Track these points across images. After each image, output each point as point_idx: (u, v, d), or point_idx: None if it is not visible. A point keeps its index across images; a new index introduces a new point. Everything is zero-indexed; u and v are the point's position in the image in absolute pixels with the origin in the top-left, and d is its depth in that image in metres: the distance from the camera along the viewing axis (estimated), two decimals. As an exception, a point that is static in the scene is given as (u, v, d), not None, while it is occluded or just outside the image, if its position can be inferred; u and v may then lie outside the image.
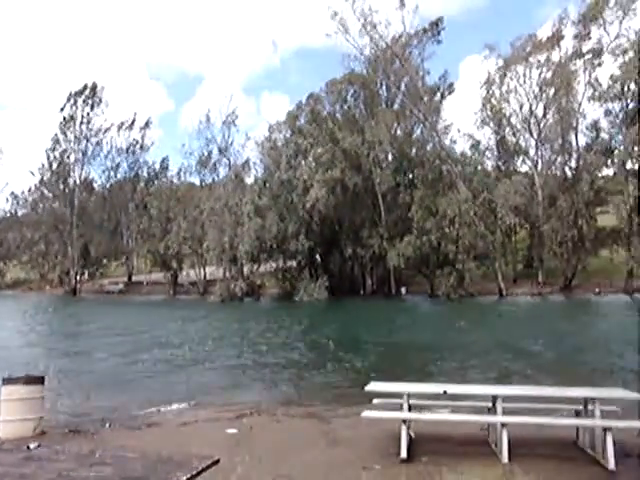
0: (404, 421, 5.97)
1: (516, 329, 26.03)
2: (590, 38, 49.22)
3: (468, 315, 35.54)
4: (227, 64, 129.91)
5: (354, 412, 7.57)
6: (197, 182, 66.88)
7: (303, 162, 52.70)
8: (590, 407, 5.97)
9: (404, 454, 5.89)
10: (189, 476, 3.95)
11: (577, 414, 6.34)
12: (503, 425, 5.80)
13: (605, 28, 48.45)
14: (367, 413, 6.32)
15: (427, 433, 6.84)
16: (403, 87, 53.28)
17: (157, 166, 77.30)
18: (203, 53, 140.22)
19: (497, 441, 5.99)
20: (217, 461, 4.40)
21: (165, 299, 57.50)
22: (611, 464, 5.49)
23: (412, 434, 6.50)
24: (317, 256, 55.71)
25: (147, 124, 76.88)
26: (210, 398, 10.85)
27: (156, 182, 74.31)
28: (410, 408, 6.39)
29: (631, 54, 46.74)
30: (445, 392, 6.17)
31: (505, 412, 6.17)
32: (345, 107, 55.99)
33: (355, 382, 11.25)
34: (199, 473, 4.10)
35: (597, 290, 45.76)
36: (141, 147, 76.57)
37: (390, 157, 54.11)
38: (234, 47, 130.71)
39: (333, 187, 48.98)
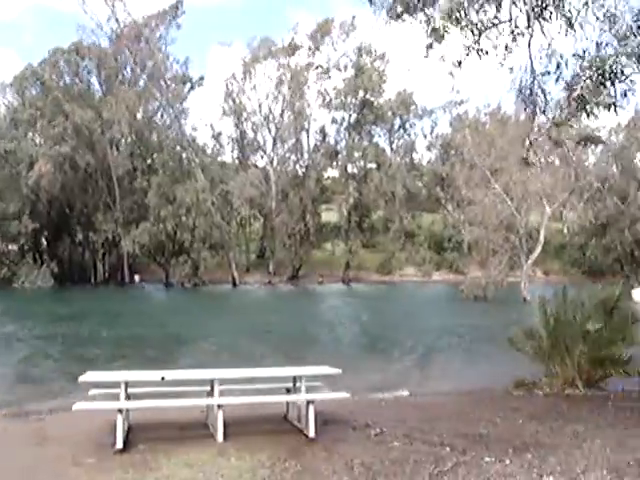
0: (120, 410, 5.82)
1: (250, 315, 27.31)
2: (321, 51, 53.79)
3: (202, 303, 36.07)
4: None
5: (68, 406, 7.13)
6: None
7: (30, 134, 47.53)
8: (298, 384, 6.58)
9: (120, 445, 5.75)
10: None
11: (288, 391, 6.92)
12: (219, 406, 6.05)
13: (333, 45, 53.50)
14: (79, 405, 6.00)
15: (148, 421, 6.78)
16: (148, 69, 51.30)
17: None
18: None
19: (214, 422, 6.23)
20: None
21: None
22: (311, 432, 6.14)
23: (130, 424, 6.39)
24: (43, 240, 50.68)
25: None
26: None
27: None
28: (129, 397, 6.26)
29: (352, 72, 52.56)
30: (163, 378, 6.19)
31: (224, 394, 6.46)
32: (77, 80, 51.70)
33: (70, 376, 10.60)
34: None
35: (320, 279, 50.33)
36: None
37: (129, 140, 51.82)
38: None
39: (62, 164, 44.92)
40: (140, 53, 50.11)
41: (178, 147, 50.55)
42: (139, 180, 49.12)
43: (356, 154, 55.68)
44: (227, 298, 40.97)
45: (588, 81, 7.38)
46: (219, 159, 54.57)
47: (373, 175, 54.03)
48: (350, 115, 55.21)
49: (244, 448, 5.79)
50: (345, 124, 55.67)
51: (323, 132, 56.77)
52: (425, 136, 61.02)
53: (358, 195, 53.50)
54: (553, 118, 8.75)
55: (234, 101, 54.77)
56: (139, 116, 51.91)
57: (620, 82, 7.33)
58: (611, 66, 7.13)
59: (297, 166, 57.27)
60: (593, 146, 46.61)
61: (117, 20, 48.23)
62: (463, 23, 8.03)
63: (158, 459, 5.52)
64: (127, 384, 6.12)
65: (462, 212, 49.97)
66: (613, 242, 39.80)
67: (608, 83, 7.19)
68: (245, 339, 18.19)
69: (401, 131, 58.50)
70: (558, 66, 8.11)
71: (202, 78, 53.80)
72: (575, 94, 7.46)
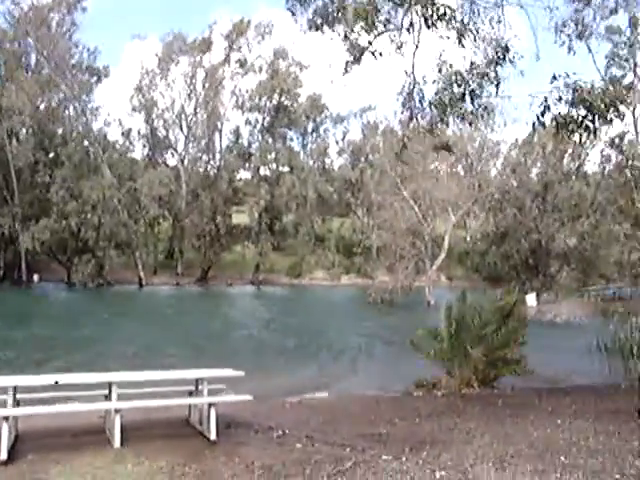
0: (5, 418, 5.48)
1: (157, 317, 26.56)
2: (235, 51, 53.32)
3: (105, 304, 34.70)
4: None
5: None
6: None
7: None
8: (200, 387, 6.49)
9: (4, 455, 5.40)
10: None
11: (190, 394, 6.80)
12: (116, 411, 5.85)
13: (249, 47, 53.26)
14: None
15: (40, 429, 6.45)
16: (52, 57, 48.64)
17: None
18: None
19: (112, 428, 6.01)
20: None
21: None
22: (213, 435, 6.07)
23: (18, 432, 6.05)
24: None
25: None
26: None
27: None
28: (18, 403, 5.92)
29: (266, 75, 52.60)
30: (57, 382, 5.90)
31: (123, 398, 6.25)
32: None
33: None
34: None
35: (229, 282, 49.82)
36: None
37: (30, 131, 48.93)
38: None
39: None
40: (43, 39, 47.43)
41: (86, 142, 48.35)
42: (41, 174, 46.47)
43: (269, 157, 55.69)
44: (132, 299, 39.64)
45: (451, 94, 7.91)
46: (129, 156, 52.72)
47: (285, 178, 54.20)
48: (264, 117, 55.17)
49: (142, 453, 5.63)
50: (259, 126, 55.59)
51: (237, 133, 56.43)
52: (337, 142, 62.13)
53: (270, 198, 53.47)
54: (431, 125, 9.23)
55: (145, 96, 53.21)
56: (42, 106, 49.19)
57: (478, 98, 7.94)
58: (471, 84, 7.71)
59: (209, 166, 56.54)
60: (495, 159, 49.27)
61: (14, 1, 45.60)
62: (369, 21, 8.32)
63: (48, 469, 5.25)
64: (16, 389, 5.79)
65: (371, 217, 51.27)
66: (511, 250, 42.02)
67: (468, 97, 7.76)
68: (150, 342, 17.70)
69: (314, 135, 59.18)
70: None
71: (107, 68, 51.69)
72: (436, 102, 7.99)
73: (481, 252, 46.27)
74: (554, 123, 7.68)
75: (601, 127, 6.94)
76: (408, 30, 8.42)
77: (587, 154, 49.68)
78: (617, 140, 37.95)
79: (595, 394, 9.42)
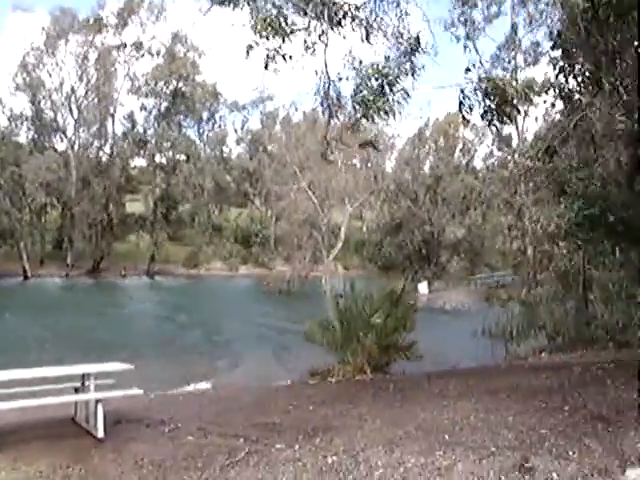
0: None
1: (42, 312, 25.03)
2: (128, 32, 51.18)
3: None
4: None
5: None
6: None
7: None
8: (87, 382, 6.19)
9: None
10: None
11: (76, 391, 6.47)
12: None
13: (142, 27, 51.21)
14: None
15: None
16: None
17: None
18: None
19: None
20: None
21: None
22: (100, 433, 5.82)
23: None
24: None
25: None
26: None
27: None
28: None
29: (163, 59, 50.79)
30: None
31: (2, 398, 5.84)
32: None
33: None
34: None
35: (123, 273, 47.97)
36: None
37: None
38: None
39: None
40: None
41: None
42: None
43: (165, 144, 54.05)
44: (14, 292, 37.14)
45: (370, 89, 8.10)
46: (13, 139, 49.15)
47: (182, 166, 52.91)
48: (161, 103, 53.41)
49: (20, 457, 5.29)
50: (155, 112, 53.73)
51: (132, 119, 54.23)
52: (236, 130, 61.44)
53: (166, 186, 52.04)
54: (350, 121, 9.38)
55: (31, 75, 49.68)
56: None
57: (397, 91, 8.18)
58: (389, 76, 7.93)
59: (101, 152, 53.93)
60: (390, 152, 50.84)
61: None
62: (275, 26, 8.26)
63: None
64: None
65: (270, 207, 51.27)
66: (405, 240, 43.60)
67: (387, 90, 7.98)
68: (35, 339, 16.68)
69: (211, 123, 58.15)
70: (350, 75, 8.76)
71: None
72: (358, 99, 8.14)
73: (376, 242, 47.64)
74: (480, 112, 7.88)
75: (516, 116, 7.35)
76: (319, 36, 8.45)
77: (476, 150, 52.56)
78: (502, 138, 40.30)
79: (479, 375, 10.00)
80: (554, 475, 4.34)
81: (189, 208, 56.29)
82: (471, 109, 7.46)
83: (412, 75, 8.41)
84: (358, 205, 44.20)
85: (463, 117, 7.72)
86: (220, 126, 58.99)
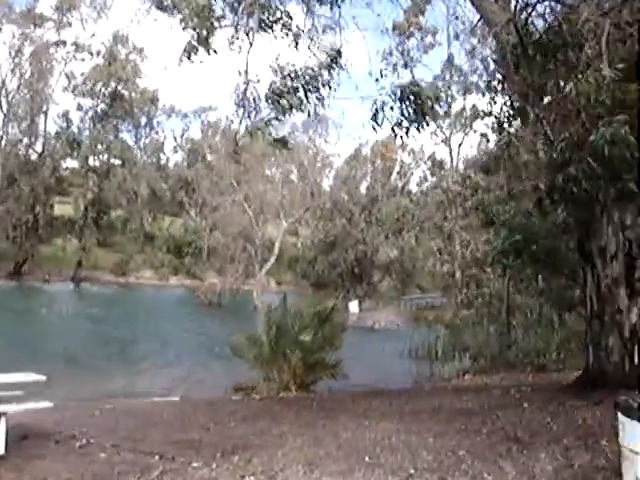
0: None
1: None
2: (68, 29, 49.48)
3: None
4: None
5: None
6: None
7: None
8: (-8, 394, 5.80)
9: None
10: None
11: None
12: None
13: (83, 23, 49.73)
14: None
15: None
16: None
17: None
18: None
19: None
20: None
21: None
22: (1, 449, 5.46)
23: None
24: None
25: None
26: None
27: None
28: None
29: (103, 59, 49.47)
30: None
31: None
32: None
33: None
34: None
35: (47, 277, 45.90)
36: None
37: None
38: None
39: None
40: None
41: None
42: None
43: (100, 147, 52.47)
44: None
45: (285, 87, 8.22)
46: None
47: (116, 171, 51.45)
48: (98, 104, 51.88)
49: None
50: (91, 113, 52.12)
51: (66, 118, 52.37)
52: (175, 138, 60.44)
53: (98, 190, 50.38)
54: (266, 121, 9.41)
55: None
56: None
57: (312, 94, 8.37)
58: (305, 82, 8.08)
59: (31, 150, 51.66)
60: (328, 171, 51.33)
61: None
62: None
63: None
64: None
65: (204, 218, 50.54)
66: (338, 259, 43.89)
67: (302, 92, 8.14)
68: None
69: (148, 129, 57.03)
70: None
71: None
72: (272, 96, 8.23)
73: (310, 259, 47.72)
74: (393, 122, 7.91)
75: (429, 122, 7.38)
76: (246, 33, 8.47)
77: (412, 173, 53.84)
78: (435, 163, 41.54)
79: (403, 396, 10.09)
80: (468, 498, 4.39)
81: (121, 214, 54.69)
82: (384, 115, 7.42)
83: (328, 86, 8.64)
84: (293, 221, 44.24)
85: (394, 132, 7.74)
86: (158, 132, 57.97)
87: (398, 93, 7.05)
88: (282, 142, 10.29)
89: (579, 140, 6.48)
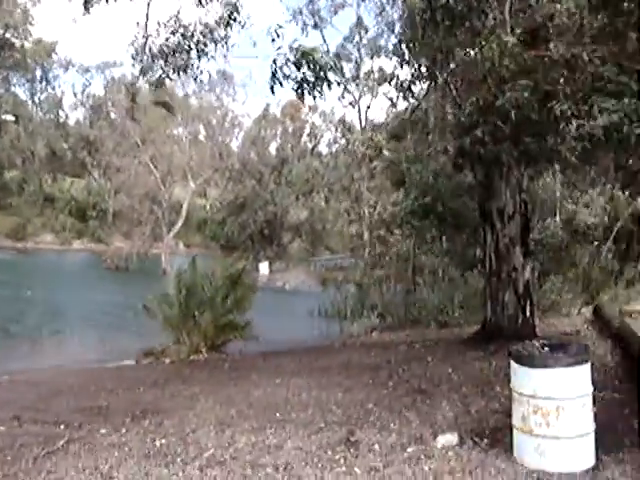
0: None
1: None
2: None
3: None
4: None
5: None
6: None
7: None
8: None
9: None
10: None
11: None
12: None
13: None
14: None
15: None
16: None
17: None
18: None
19: None
20: None
21: None
22: None
23: None
24: None
25: None
26: None
27: None
28: None
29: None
30: None
31: None
32: None
33: None
34: None
35: None
36: None
37: None
38: None
39: None
40: None
41: None
42: None
43: None
44: None
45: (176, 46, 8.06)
46: None
47: (10, 128, 47.82)
48: None
49: None
50: None
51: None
52: (75, 94, 56.69)
53: (-11, 149, 46.79)
54: (157, 79, 9.15)
55: None
56: None
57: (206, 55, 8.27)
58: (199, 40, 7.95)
59: None
60: (237, 131, 50.40)
61: None
62: None
63: None
64: None
65: (109, 180, 48.37)
66: (248, 220, 43.50)
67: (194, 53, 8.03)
68: None
69: (44, 84, 53.15)
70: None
71: None
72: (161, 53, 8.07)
73: (219, 221, 47.08)
74: (293, 86, 7.80)
75: (328, 87, 7.32)
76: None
77: (322, 135, 53.89)
78: (345, 125, 41.71)
79: (313, 353, 10.32)
80: (376, 446, 4.60)
81: (17, 175, 51.11)
82: (287, 77, 7.33)
83: (225, 44, 8.52)
84: (202, 182, 43.28)
85: (301, 96, 7.63)
86: (55, 88, 54.17)
87: (292, 58, 6.96)
88: (164, 105, 10.06)
89: (485, 104, 6.74)
